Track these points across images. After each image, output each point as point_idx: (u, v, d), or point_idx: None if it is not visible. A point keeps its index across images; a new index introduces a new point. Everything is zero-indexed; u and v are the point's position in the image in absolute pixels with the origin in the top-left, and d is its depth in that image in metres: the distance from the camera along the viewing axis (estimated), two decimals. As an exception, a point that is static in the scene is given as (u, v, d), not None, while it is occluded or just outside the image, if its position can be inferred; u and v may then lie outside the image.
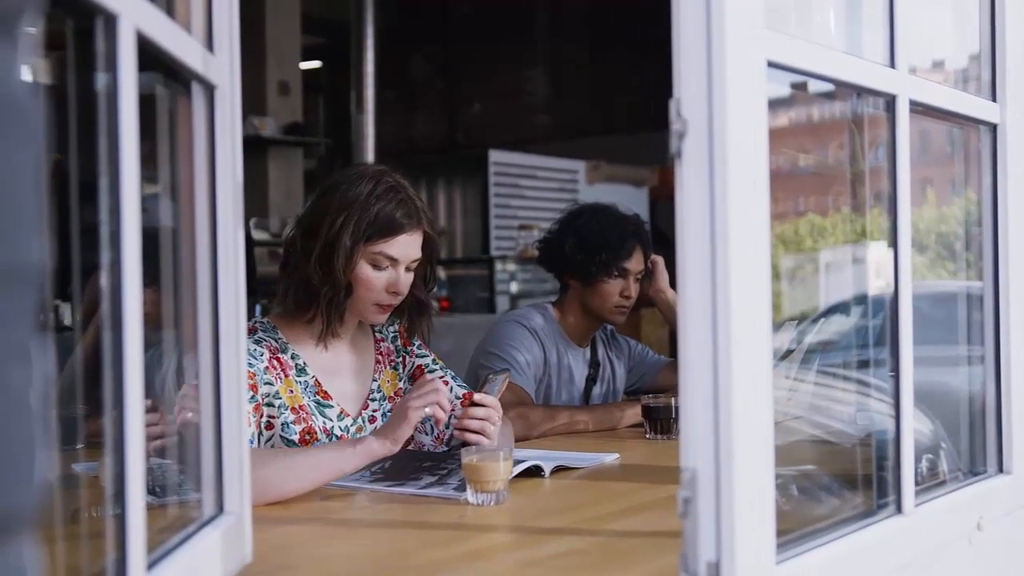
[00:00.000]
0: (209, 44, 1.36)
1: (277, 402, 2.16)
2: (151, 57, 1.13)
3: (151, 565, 1.10)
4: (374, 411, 2.33)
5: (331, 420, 2.23)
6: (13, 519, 0.58)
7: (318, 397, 2.23)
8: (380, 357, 2.39)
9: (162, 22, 1.14)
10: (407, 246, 2.22)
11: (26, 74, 0.60)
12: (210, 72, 1.34)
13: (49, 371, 0.62)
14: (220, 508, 1.38)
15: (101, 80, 1.03)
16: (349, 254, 2.17)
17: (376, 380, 2.36)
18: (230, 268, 1.39)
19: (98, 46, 1.01)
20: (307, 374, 2.24)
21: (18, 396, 0.58)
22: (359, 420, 2.30)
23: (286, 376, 2.20)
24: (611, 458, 2.36)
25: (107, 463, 1.09)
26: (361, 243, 2.18)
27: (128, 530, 1.02)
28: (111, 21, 1.00)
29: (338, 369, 2.30)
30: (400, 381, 2.40)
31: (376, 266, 2.21)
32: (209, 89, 1.36)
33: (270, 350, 2.18)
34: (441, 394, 2.02)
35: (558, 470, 2.19)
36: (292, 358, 2.23)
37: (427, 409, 1.99)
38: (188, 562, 1.21)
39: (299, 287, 2.21)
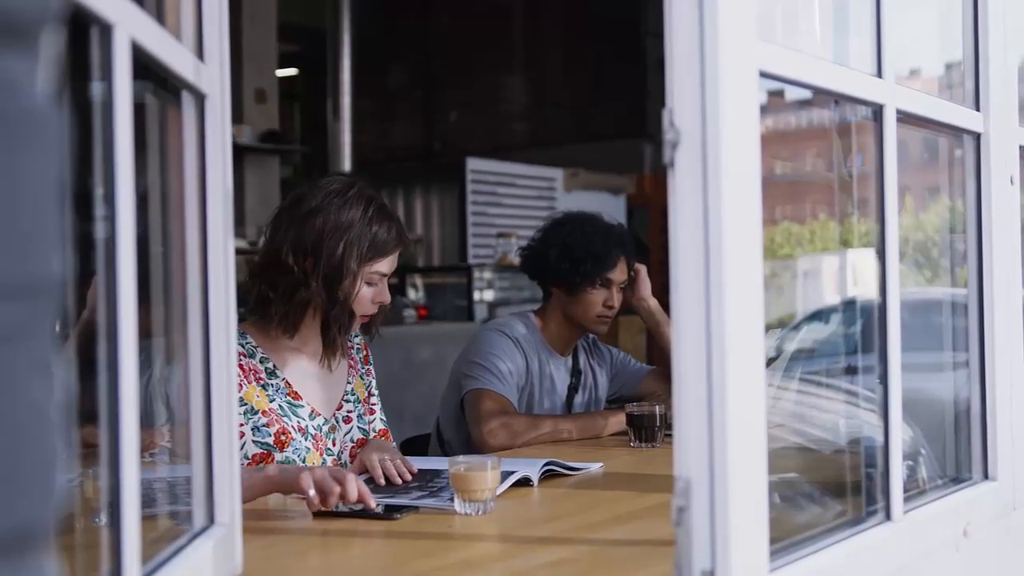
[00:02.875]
0: (200, 53, 1.35)
1: (242, 408, 2.19)
2: (142, 66, 1.12)
3: (144, 577, 1.10)
4: (348, 412, 2.41)
5: (303, 419, 2.29)
6: (37, 532, 0.58)
7: (289, 398, 2.29)
8: (352, 362, 2.47)
9: (156, 32, 1.14)
10: (395, 261, 2.35)
11: (45, 87, 0.60)
12: (201, 81, 1.33)
13: (69, 384, 0.62)
14: (211, 519, 1.37)
15: (95, 89, 1.02)
16: (355, 278, 2.26)
17: (350, 383, 2.44)
18: (220, 277, 1.38)
19: (93, 55, 1.00)
20: (278, 376, 2.29)
21: (40, 409, 0.58)
22: (332, 420, 2.36)
23: (250, 383, 2.24)
24: (596, 467, 2.37)
25: (92, 474, 1.09)
26: (364, 265, 2.27)
27: (123, 542, 1.01)
28: (106, 31, 0.99)
29: (312, 372, 2.36)
30: (365, 390, 2.49)
31: (369, 283, 2.30)
32: (200, 98, 1.35)
33: None
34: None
35: (547, 476, 2.19)
36: (261, 362, 2.29)
37: (311, 492, 1.83)
38: (180, 574, 1.20)
39: (299, 308, 2.26)
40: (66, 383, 0.62)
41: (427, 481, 2.14)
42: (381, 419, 2.52)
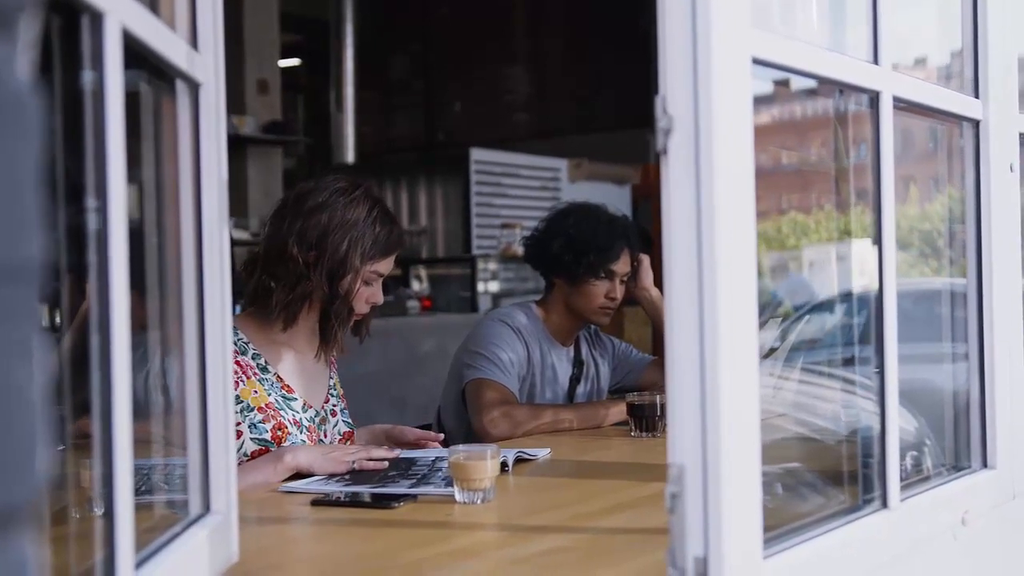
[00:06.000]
0: (194, 42, 1.35)
1: (239, 406, 2.21)
2: (135, 55, 1.12)
3: (138, 564, 1.10)
4: (333, 406, 2.47)
5: (297, 412, 2.33)
6: (15, 514, 0.58)
7: (283, 392, 2.32)
8: (332, 360, 2.51)
9: (148, 20, 1.13)
10: (392, 263, 2.40)
11: (24, 72, 0.60)
12: (195, 70, 1.33)
13: (50, 368, 0.62)
14: (207, 507, 1.37)
15: (86, 78, 1.02)
16: (357, 274, 2.30)
17: (332, 379, 2.49)
18: (215, 268, 1.38)
19: (84, 44, 1.00)
20: (270, 372, 2.32)
21: (21, 392, 0.58)
22: (322, 412, 2.41)
23: (248, 378, 2.27)
24: (544, 452, 2.39)
25: (90, 464, 1.09)
26: (366, 263, 2.31)
27: (116, 530, 1.01)
28: (97, 19, 0.99)
29: (299, 367, 2.40)
30: (341, 387, 2.54)
31: (366, 282, 2.34)
32: (194, 87, 1.35)
33: None
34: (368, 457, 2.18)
35: (518, 462, 2.23)
36: (253, 358, 2.32)
37: (355, 465, 2.14)
38: (175, 561, 1.21)
39: (300, 300, 2.30)
40: (48, 366, 0.62)
41: (406, 469, 2.14)
42: (346, 421, 2.54)
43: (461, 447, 1.97)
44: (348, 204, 2.30)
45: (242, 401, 2.23)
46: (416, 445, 2.44)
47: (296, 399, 2.34)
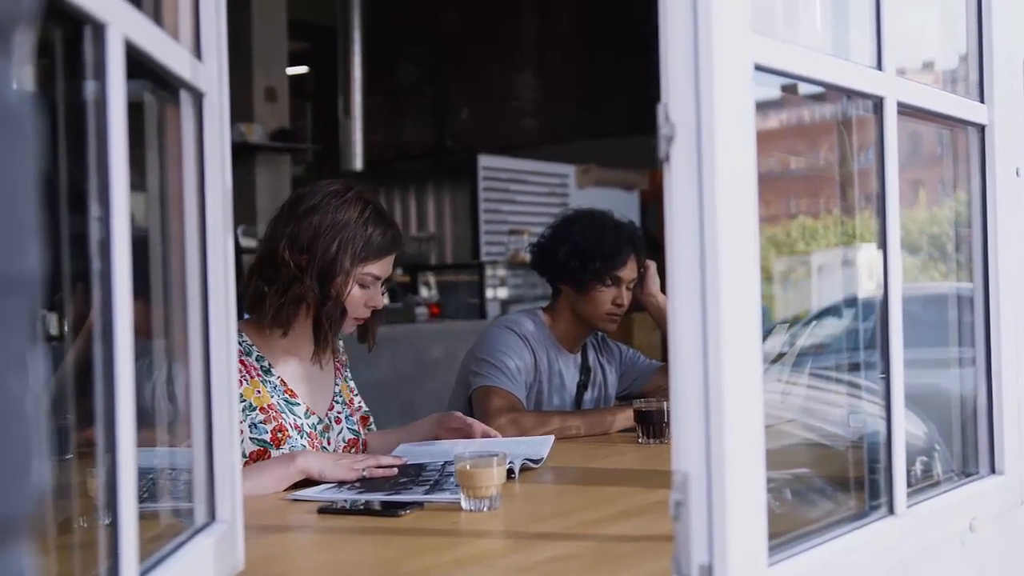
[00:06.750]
0: (197, 52, 1.36)
1: (241, 404, 2.22)
2: (138, 65, 1.12)
3: (143, 573, 1.10)
4: (338, 413, 2.46)
5: (299, 417, 2.33)
6: (12, 525, 0.58)
7: (286, 396, 2.33)
8: (338, 366, 2.52)
9: (150, 30, 1.14)
10: (390, 265, 2.39)
11: (21, 83, 0.60)
12: (198, 79, 1.34)
13: (46, 379, 0.62)
14: (212, 516, 1.37)
15: (89, 88, 1.02)
16: (348, 276, 2.29)
17: (338, 385, 2.49)
18: (220, 276, 1.38)
19: (86, 54, 1.01)
20: (273, 375, 2.33)
21: (16, 404, 0.58)
22: (326, 419, 2.41)
23: (252, 378, 2.28)
24: (548, 440, 2.42)
25: (96, 473, 1.09)
26: (357, 265, 2.30)
27: (120, 539, 1.01)
28: (99, 30, 1.00)
29: (303, 373, 2.40)
30: (351, 392, 2.54)
31: (362, 285, 2.34)
32: (197, 97, 1.35)
33: None
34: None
35: (524, 469, 2.23)
36: (257, 360, 2.32)
37: (365, 472, 2.14)
38: (180, 570, 1.21)
39: (292, 303, 2.30)
40: (45, 378, 0.62)
41: (416, 476, 2.14)
42: (351, 427, 2.53)
43: (467, 454, 1.97)
44: (340, 206, 2.31)
45: (244, 400, 2.24)
46: (466, 433, 2.47)
47: (299, 404, 2.34)
